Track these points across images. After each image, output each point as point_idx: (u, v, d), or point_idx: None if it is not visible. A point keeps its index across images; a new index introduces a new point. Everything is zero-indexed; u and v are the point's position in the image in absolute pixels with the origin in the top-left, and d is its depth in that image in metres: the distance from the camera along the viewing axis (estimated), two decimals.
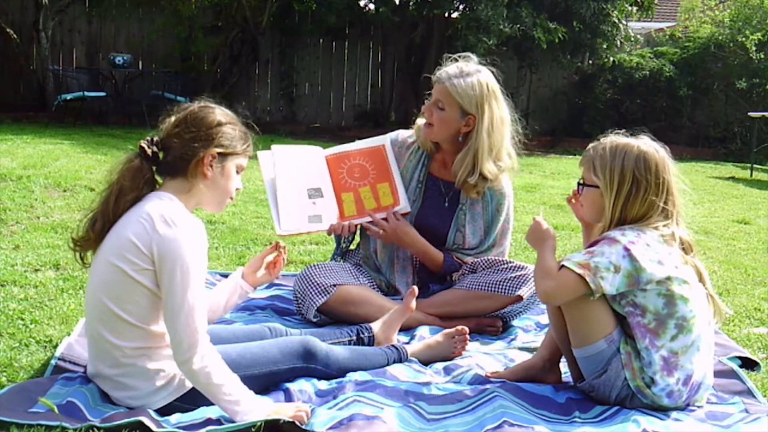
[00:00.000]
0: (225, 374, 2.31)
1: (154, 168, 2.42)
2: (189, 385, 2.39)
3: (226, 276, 3.48)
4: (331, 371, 2.70)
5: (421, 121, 3.47)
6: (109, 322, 2.34)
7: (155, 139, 2.42)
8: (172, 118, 2.43)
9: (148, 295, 2.32)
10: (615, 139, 2.64)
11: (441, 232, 3.50)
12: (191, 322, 2.26)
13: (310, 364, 2.66)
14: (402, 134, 3.63)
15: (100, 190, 2.46)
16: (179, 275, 2.27)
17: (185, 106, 2.48)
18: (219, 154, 2.41)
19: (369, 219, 3.48)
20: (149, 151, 2.40)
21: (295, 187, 3.47)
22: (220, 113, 2.46)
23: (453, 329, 3.04)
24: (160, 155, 2.42)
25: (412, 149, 3.56)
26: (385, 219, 3.43)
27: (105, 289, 2.34)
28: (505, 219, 3.55)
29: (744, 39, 13.32)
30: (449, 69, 3.38)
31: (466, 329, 3.04)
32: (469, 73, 3.35)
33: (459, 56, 3.45)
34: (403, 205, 3.48)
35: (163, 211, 2.31)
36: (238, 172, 2.50)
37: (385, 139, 3.59)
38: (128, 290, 2.32)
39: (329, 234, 3.50)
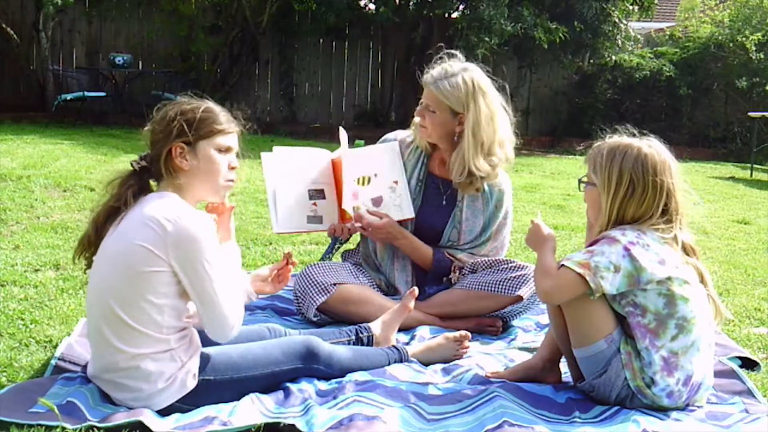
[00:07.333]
0: None
1: (144, 179, 2.44)
2: (190, 385, 2.40)
3: None
4: (334, 371, 2.70)
5: (418, 119, 3.48)
6: (113, 325, 2.34)
7: (143, 154, 2.47)
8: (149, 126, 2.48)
9: (154, 303, 2.32)
10: (618, 139, 2.62)
11: (438, 229, 3.50)
12: (229, 303, 2.32)
13: (312, 365, 2.66)
14: (400, 134, 3.64)
15: (101, 193, 2.48)
16: (202, 266, 2.29)
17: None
18: (184, 143, 2.41)
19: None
20: (137, 168, 2.44)
21: (295, 188, 3.47)
22: (180, 104, 2.47)
23: (455, 333, 3.03)
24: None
25: (411, 148, 3.56)
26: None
27: (112, 293, 2.33)
28: (504, 215, 3.55)
29: (744, 39, 13.31)
30: (434, 71, 3.37)
31: (469, 335, 3.04)
32: (453, 73, 3.34)
33: (446, 54, 3.42)
34: (407, 211, 3.48)
35: (164, 210, 2.32)
36: (222, 152, 2.47)
37: (394, 146, 3.59)
38: (136, 296, 2.31)
39: (329, 235, 3.52)
